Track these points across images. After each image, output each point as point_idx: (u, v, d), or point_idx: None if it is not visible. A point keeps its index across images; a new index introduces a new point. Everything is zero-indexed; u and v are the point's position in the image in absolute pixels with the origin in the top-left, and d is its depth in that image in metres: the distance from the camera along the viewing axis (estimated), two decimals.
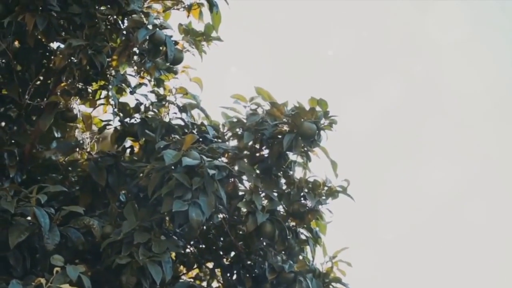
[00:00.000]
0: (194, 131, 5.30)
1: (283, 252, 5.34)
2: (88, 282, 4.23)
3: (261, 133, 5.09)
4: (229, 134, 5.35)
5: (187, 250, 5.50)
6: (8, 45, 4.87)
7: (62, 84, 5.00)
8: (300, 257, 5.49)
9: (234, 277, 5.49)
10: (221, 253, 5.54)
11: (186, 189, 4.51)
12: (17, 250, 4.44)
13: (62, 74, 4.98)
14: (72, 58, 4.81)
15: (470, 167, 9.84)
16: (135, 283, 4.55)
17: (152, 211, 4.77)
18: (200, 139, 5.19)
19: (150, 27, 4.72)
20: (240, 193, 5.24)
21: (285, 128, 5.05)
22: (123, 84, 5.35)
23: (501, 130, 9.94)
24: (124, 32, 4.89)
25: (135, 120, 5.36)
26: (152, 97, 5.43)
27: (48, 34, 4.73)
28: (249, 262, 5.45)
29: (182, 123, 5.37)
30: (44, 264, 4.59)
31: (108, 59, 4.89)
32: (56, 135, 5.58)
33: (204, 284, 5.85)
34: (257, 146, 5.23)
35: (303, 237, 5.41)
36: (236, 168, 5.08)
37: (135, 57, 5.20)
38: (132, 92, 5.33)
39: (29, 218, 4.48)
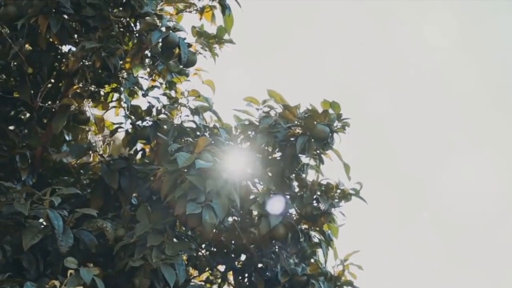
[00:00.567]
0: (206, 134, 5.29)
1: (295, 255, 5.33)
2: (102, 285, 4.22)
3: (274, 136, 5.08)
4: (241, 136, 5.34)
5: (199, 253, 5.48)
6: (20, 47, 4.87)
7: (74, 87, 5.00)
8: (312, 260, 5.48)
9: (246, 280, 5.48)
10: (233, 256, 5.52)
11: (200, 191, 4.50)
12: (30, 253, 4.44)
13: (74, 76, 4.98)
14: (84, 60, 4.81)
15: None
16: (148, 286, 4.55)
17: (165, 213, 4.76)
18: (212, 142, 5.18)
19: (163, 29, 4.71)
20: (252, 196, 5.24)
21: (298, 130, 5.04)
22: (135, 87, 5.33)
23: (499, 132, 9.94)
24: (137, 34, 4.87)
25: (147, 123, 5.35)
26: (164, 100, 5.42)
27: (61, 37, 4.71)
28: (260, 265, 5.45)
29: (194, 126, 5.36)
30: (57, 266, 4.59)
31: (120, 62, 4.89)
32: (67, 138, 5.59)
33: (215, 287, 5.85)
34: (270, 149, 5.22)
35: (315, 240, 5.40)
36: (248, 171, 5.07)
37: (147, 60, 5.18)
38: (144, 95, 5.32)
39: (40, 220, 4.50)
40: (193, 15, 5.25)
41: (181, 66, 5.11)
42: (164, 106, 5.33)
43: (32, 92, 5.09)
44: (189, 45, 4.88)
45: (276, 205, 5.05)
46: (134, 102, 5.48)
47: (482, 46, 9.77)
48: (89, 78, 4.81)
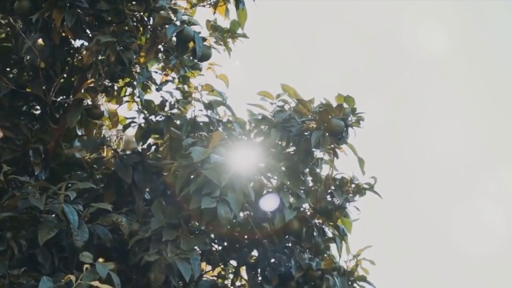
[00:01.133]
0: (220, 128, 5.28)
1: (308, 250, 5.32)
2: (117, 279, 4.20)
3: (288, 130, 5.06)
4: (255, 131, 5.32)
5: (212, 248, 5.47)
6: (33, 42, 4.85)
7: (88, 81, 4.98)
8: (325, 255, 5.46)
9: (259, 275, 5.46)
10: (246, 250, 5.50)
11: (215, 186, 4.49)
12: (45, 247, 4.43)
13: (87, 71, 4.96)
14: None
15: None
16: (163, 281, 4.53)
17: (179, 208, 4.75)
18: (226, 136, 5.16)
19: (178, 23, 4.69)
20: (266, 190, 5.23)
21: (313, 125, 5.01)
22: (149, 81, 5.31)
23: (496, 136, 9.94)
24: (151, 28, 4.85)
25: (160, 118, 5.33)
26: (177, 94, 5.41)
27: (75, 31, 4.69)
28: (273, 260, 5.43)
29: (207, 120, 5.34)
30: (71, 261, 4.59)
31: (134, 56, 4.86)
32: (78, 132, 5.58)
33: (227, 282, 5.83)
34: (284, 143, 5.20)
35: (329, 234, 5.38)
36: (262, 165, 5.06)
37: (160, 54, 5.17)
38: (158, 89, 5.30)
39: (54, 215, 4.49)
40: (207, 10, 5.23)
41: (195, 60, 5.10)
42: (177, 101, 5.31)
43: (44, 87, 5.08)
44: (204, 39, 4.85)
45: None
46: (147, 96, 5.48)
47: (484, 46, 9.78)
48: (103, 73, 4.78)
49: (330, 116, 4.93)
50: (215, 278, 5.76)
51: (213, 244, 5.47)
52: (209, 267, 5.65)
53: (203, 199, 4.45)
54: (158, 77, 5.47)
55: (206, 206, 4.42)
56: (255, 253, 5.55)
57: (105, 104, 5.13)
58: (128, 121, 5.40)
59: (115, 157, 5.20)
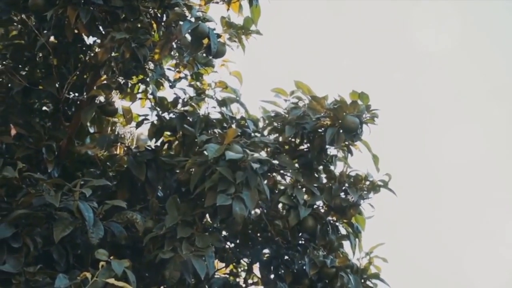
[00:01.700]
0: (233, 125, 5.26)
1: (322, 248, 5.30)
2: (133, 277, 4.18)
3: (302, 127, 5.04)
4: (269, 128, 5.30)
5: (226, 246, 5.45)
6: (47, 39, 4.84)
7: (102, 78, 4.96)
8: (338, 252, 5.44)
9: (273, 272, 5.45)
10: (259, 247, 5.49)
11: (230, 183, 4.48)
12: (60, 245, 4.42)
13: (100, 68, 4.95)
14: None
15: None
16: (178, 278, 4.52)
17: (194, 205, 4.74)
18: (239, 133, 5.14)
19: (192, 19, 4.66)
20: (280, 187, 5.21)
21: (327, 121, 4.99)
22: (162, 78, 5.29)
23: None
24: (165, 25, 4.83)
25: (173, 115, 5.31)
26: (191, 91, 5.39)
27: (89, 28, 4.67)
28: (286, 258, 5.42)
29: (220, 117, 5.32)
30: (86, 258, 4.58)
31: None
32: (90, 130, 5.56)
33: (239, 279, 5.82)
34: (297, 140, 5.18)
35: (342, 231, 5.37)
36: (276, 162, 5.04)
37: (173, 51, 5.15)
38: (172, 86, 5.28)
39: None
40: (220, 6, 5.21)
41: (210, 57, 5.08)
42: (190, 98, 5.29)
43: (57, 84, 5.06)
44: (219, 36, 4.83)
45: None
46: (160, 93, 5.46)
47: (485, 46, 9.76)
48: (117, 69, 4.76)
49: (344, 113, 4.91)
50: (227, 276, 5.75)
51: (225, 241, 5.46)
52: (221, 265, 5.64)
53: (218, 196, 4.44)
54: (170, 74, 5.45)
55: (221, 203, 4.41)
56: (268, 250, 5.56)
57: (118, 101, 5.11)
58: (140, 118, 5.38)
59: (128, 155, 5.19)
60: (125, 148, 5.34)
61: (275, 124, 5.26)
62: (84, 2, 4.59)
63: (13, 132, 4.98)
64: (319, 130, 5.04)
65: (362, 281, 5.46)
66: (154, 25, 4.92)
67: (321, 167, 5.23)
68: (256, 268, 5.64)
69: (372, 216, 5.36)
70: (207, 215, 4.91)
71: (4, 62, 5.13)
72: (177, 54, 5.08)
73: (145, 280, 4.95)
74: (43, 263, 4.28)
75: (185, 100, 5.31)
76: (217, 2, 5.14)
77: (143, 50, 4.60)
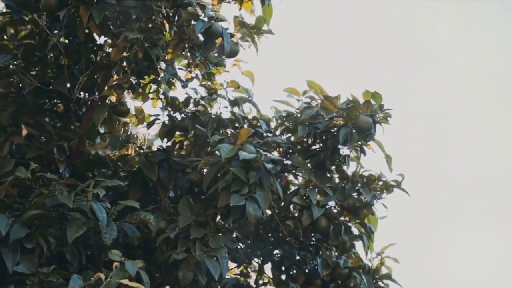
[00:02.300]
0: (245, 125, 5.24)
1: (334, 248, 5.28)
2: (146, 278, 4.17)
3: (315, 127, 5.02)
4: (281, 128, 5.28)
5: (238, 246, 5.44)
6: (58, 39, 4.82)
7: (114, 78, 4.95)
8: (351, 253, 5.42)
9: (284, 273, 5.43)
10: (271, 248, 5.47)
11: (243, 183, 4.46)
12: (73, 245, 4.40)
13: (112, 68, 4.93)
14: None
15: None
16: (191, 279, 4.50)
17: (206, 205, 4.72)
18: (252, 132, 5.12)
19: (205, 19, 4.64)
20: (293, 187, 5.19)
21: (340, 121, 4.97)
22: (174, 78, 5.27)
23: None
24: (177, 25, 4.81)
25: (185, 115, 5.29)
26: (202, 91, 5.37)
27: (102, 28, 4.65)
28: (298, 258, 5.40)
29: (233, 117, 5.30)
30: (99, 259, 4.56)
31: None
32: (100, 130, 5.54)
33: (250, 280, 5.80)
34: (310, 140, 5.16)
35: (355, 232, 5.34)
36: (289, 162, 5.02)
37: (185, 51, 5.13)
38: (184, 86, 5.25)
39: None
40: (231, 6, 5.18)
41: (222, 57, 5.06)
42: (202, 98, 5.27)
43: (68, 84, 5.05)
44: (232, 35, 4.81)
45: None
46: (172, 93, 5.44)
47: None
48: (129, 69, 4.74)
49: (358, 113, 4.89)
50: (238, 276, 5.73)
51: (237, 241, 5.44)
52: (231, 265, 5.63)
53: (231, 196, 4.42)
54: (182, 74, 5.43)
55: (235, 203, 4.39)
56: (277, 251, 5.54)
57: (130, 101, 5.10)
58: (152, 118, 5.36)
59: (140, 155, 5.17)
60: (137, 148, 5.31)
61: (287, 124, 5.23)
62: (97, 2, 4.57)
63: (24, 132, 4.95)
64: (332, 130, 5.02)
65: (374, 281, 5.45)
66: (167, 25, 4.90)
67: (333, 167, 5.20)
68: (267, 269, 5.63)
69: (386, 216, 5.34)
70: (219, 216, 4.90)
71: (15, 62, 5.09)
72: (189, 54, 5.04)
73: (156, 280, 4.93)
74: (56, 264, 4.26)
75: (197, 100, 5.29)
76: (229, 2, 5.11)
77: (156, 50, 4.58)
